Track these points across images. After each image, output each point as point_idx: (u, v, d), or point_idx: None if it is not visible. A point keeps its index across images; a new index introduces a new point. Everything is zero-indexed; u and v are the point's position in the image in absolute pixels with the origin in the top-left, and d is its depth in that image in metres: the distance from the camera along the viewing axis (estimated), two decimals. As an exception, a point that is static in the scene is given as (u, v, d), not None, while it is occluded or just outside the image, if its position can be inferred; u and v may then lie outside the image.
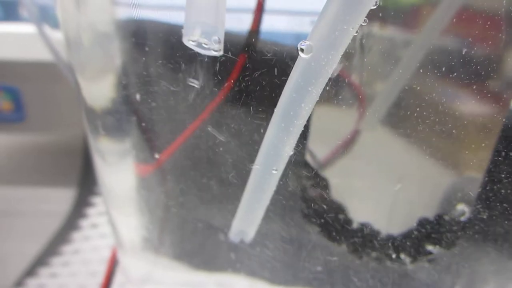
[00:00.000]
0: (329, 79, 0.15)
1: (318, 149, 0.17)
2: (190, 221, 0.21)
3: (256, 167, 0.15)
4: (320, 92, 0.12)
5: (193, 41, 0.14)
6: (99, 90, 0.20)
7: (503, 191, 0.16)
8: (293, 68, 0.12)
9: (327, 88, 0.16)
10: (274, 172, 0.15)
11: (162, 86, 0.17)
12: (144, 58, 0.17)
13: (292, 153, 0.14)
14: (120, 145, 0.21)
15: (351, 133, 0.17)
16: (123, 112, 0.19)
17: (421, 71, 0.15)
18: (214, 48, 0.14)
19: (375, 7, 0.11)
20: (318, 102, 0.16)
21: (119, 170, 0.22)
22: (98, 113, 0.21)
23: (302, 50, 0.11)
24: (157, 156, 0.19)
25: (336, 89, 0.16)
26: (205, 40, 0.13)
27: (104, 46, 0.19)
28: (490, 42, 0.14)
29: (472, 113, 0.15)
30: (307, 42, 0.11)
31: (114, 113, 0.20)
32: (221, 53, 0.14)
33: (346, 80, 0.16)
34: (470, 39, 0.14)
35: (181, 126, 0.18)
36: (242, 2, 0.16)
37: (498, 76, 0.14)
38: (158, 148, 0.20)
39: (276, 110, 0.13)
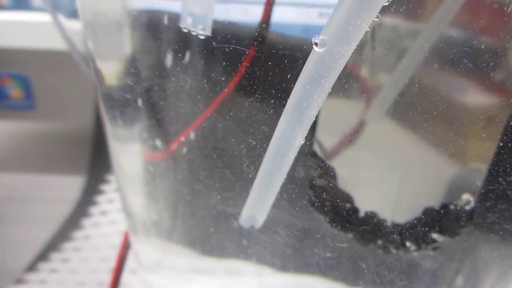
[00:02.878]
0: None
1: (325, 139, 0.18)
2: (202, 208, 0.22)
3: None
4: (332, 85, 0.13)
5: (185, 28, 0.16)
6: (118, 76, 0.21)
7: (507, 180, 0.17)
8: (307, 61, 0.13)
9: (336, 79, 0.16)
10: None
11: (176, 74, 0.18)
12: (159, 47, 0.18)
13: (303, 142, 0.15)
14: (137, 130, 0.21)
15: (358, 124, 0.18)
16: (140, 99, 0.20)
17: (426, 62, 0.15)
18: (200, 33, 0.16)
19: (387, 3, 0.11)
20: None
21: (135, 156, 0.23)
22: (115, 99, 0.21)
23: (316, 44, 0.12)
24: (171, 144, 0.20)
25: (343, 81, 0.16)
26: (192, 28, 0.16)
27: (120, 33, 0.19)
28: (497, 33, 0.14)
29: (478, 105, 0.16)
30: (321, 37, 0.12)
31: (131, 99, 0.20)
32: (208, 34, 0.16)
33: (353, 71, 0.16)
34: (476, 30, 0.14)
35: (194, 115, 0.19)
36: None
37: (505, 68, 0.15)
38: (172, 135, 0.20)
39: (289, 101, 0.14)
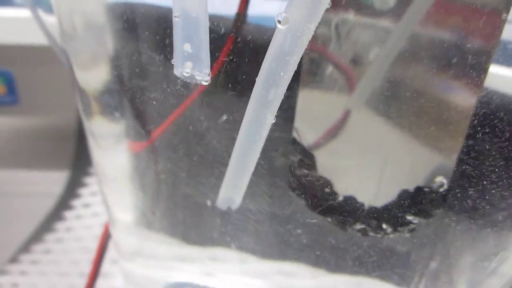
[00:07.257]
0: (315, 59, 0.16)
1: (304, 127, 0.18)
2: (181, 196, 0.22)
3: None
4: (298, 62, 0.13)
5: (186, 73, 0.15)
6: (93, 74, 0.21)
7: (476, 165, 0.17)
8: (272, 39, 0.13)
9: (313, 68, 0.17)
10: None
11: (153, 69, 0.18)
12: (135, 42, 0.18)
13: (274, 121, 0.15)
14: (113, 126, 0.22)
15: (342, 115, 0.18)
16: (115, 95, 0.20)
17: (403, 53, 0.16)
18: (205, 80, 0.15)
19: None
20: (304, 84, 0.17)
21: (112, 149, 0.23)
22: (91, 96, 0.21)
23: (279, 21, 0.12)
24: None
25: (322, 70, 0.17)
26: (198, 73, 0.15)
27: (96, 31, 0.19)
28: (464, 30, 0.15)
29: (448, 94, 0.16)
30: (284, 14, 0.12)
31: (107, 96, 0.21)
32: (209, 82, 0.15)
33: (333, 61, 0.16)
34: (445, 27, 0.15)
35: (172, 106, 0.19)
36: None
37: (470, 61, 0.15)
38: (150, 128, 0.20)
39: (257, 79, 0.14)
